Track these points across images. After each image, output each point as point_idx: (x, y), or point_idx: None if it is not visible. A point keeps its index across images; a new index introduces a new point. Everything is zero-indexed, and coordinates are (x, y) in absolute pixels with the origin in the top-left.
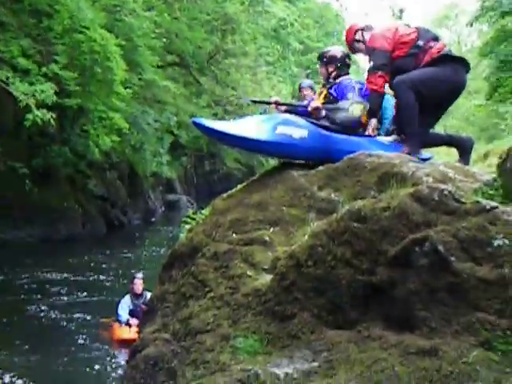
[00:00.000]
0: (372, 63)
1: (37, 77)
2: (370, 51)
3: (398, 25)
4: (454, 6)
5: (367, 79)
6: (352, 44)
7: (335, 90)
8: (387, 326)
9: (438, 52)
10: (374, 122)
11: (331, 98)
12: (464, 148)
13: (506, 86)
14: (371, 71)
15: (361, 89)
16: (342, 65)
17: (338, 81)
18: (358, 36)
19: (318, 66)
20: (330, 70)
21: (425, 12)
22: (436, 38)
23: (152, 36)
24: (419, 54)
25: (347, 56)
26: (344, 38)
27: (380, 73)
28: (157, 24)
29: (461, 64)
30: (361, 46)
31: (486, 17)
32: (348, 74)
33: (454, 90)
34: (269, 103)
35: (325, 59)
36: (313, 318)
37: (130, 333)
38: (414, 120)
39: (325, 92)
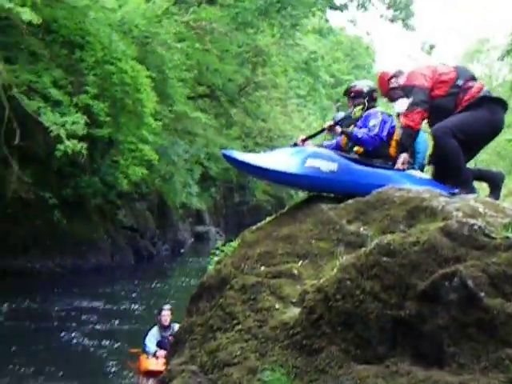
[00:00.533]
0: (411, 100)
1: (68, 108)
2: (408, 89)
3: (436, 63)
4: (485, 41)
5: (405, 115)
6: (388, 92)
7: (361, 122)
8: (415, 362)
9: (478, 92)
10: (404, 155)
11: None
12: (494, 182)
13: None
14: (410, 108)
15: (385, 121)
16: (370, 99)
17: (365, 114)
18: (393, 83)
19: (338, 102)
20: (356, 103)
21: (455, 48)
22: (474, 78)
23: (183, 68)
24: (459, 93)
25: (374, 90)
26: (378, 87)
27: (419, 109)
28: (188, 56)
29: (500, 105)
30: (397, 92)
31: None
32: (374, 107)
33: (492, 132)
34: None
35: (353, 94)
36: (340, 352)
37: (156, 364)
38: (462, 165)
39: (352, 127)
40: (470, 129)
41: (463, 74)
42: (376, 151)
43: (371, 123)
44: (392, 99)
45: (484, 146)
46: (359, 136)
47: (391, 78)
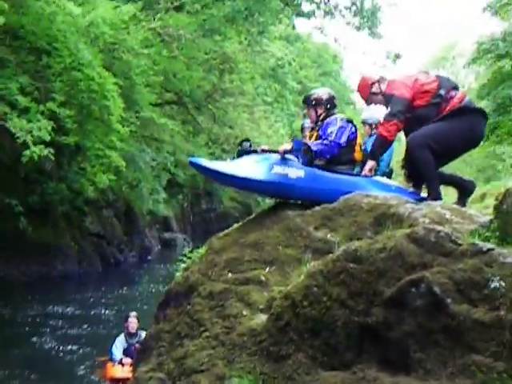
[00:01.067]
0: (389, 110)
1: (35, 115)
2: (388, 98)
3: (418, 74)
4: (451, 48)
5: (381, 124)
6: (369, 97)
7: (321, 130)
8: (382, 368)
9: (460, 102)
10: (372, 163)
11: (320, 139)
12: (464, 191)
13: (504, 127)
14: (387, 118)
15: (343, 127)
16: (331, 106)
17: (325, 121)
18: (375, 89)
19: (305, 109)
20: (320, 111)
21: (421, 54)
22: (456, 87)
23: (150, 73)
24: (441, 103)
25: (333, 97)
26: (359, 91)
27: (395, 120)
28: (155, 62)
29: (480, 115)
30: (379, 98)
31: (483, 59)
32: (334, 114)
33: (470, 142)
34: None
35: (313, 102)
36: (308, 358)
37: (122, 372)
38: (432, 174)
39: (315, 134)
40: (445, 139)
41: (445, 83)
42: (339, 157)
43: (329, 130)
44: (370, 103)
45: (461, 154)
46: (314, 149)
47: (373, 83)
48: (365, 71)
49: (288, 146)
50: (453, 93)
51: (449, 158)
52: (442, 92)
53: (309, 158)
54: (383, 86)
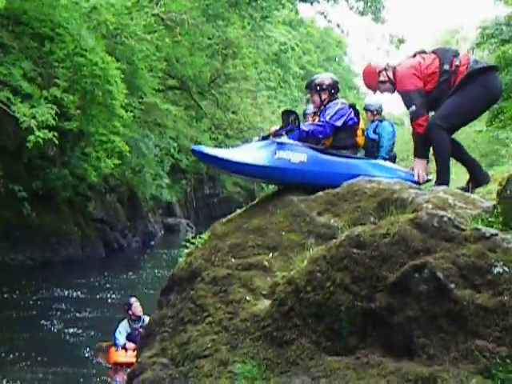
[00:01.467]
0: (412, 108)
1: (38, 100)
2: (404, 95)
3: (418, 58)
4: (455, 32)
5: (413, 123)
6: (376, 86)
7: (322, 115)
8: (386, 353)
9: (466, 68)
10: (423, 163)
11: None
12: (478, 181)
13: (507, 112)
14: (415, 116)
15: (342, 110)
16: (334, 91)
17: (327, 106)
18: (383, 77)
19: (307, 94)
20: (324, 97)
21: (425, 38)
22: (457, 54)
23: (153, 58)
24: (450, 77)
25: (336, 82)
26: (365, 81)
27: (423, 116)
28: (158, 47)
29: (491, 71)
30: (386, 86)
31: (487, 44)
32: (337, 99)
33: (490, 100)
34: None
35: (317, 87)
36: (311, 344)
37: (125, 356)
38: (445, 159)
39: (317, 119)
40: (464, 111)
41: (445, 55)
42: (340, 141)
43: (326, 113)
44: (378, 91)
45: (484, 112)
46: (306, 129)
47: (381, 71)
48: (369, 58)
49: (277, 126)
50: (456, 61)
51: (472, 120)
52: (446, 67)
53: (298, 134)
54: (390, 74)
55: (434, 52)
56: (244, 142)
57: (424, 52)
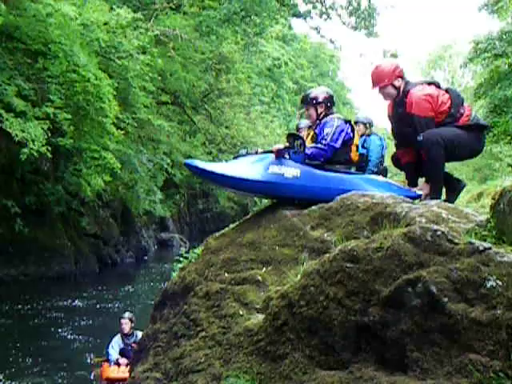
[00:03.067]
0: (424, 134)
1: (31, 118)
2: (419, 119)
3: (435, 91)
4: (448, 47)
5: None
6: (387, 87)
7: (318, 129)
8: (379, 367)
9: (467, 120)
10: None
11: (317, 138)
12: (454, 189)
13: (500, 126)
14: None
15: (340, 129)
16: (330, 105)
17: (323, 121)
18: (397, 83)
19: (302, 108)
20: (320, 111)
21: (418, 54)
22: (463, 102)
23: (146, 78)
24: (451, 121)
25: (331, 96)
26: (375, 77)
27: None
28: (151, 66)
29: (483, 130)
30: (392, 92)
31: (480, 58)
32: (333, 113)
33: (472, 154)
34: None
35: (313, 101)
36: (305, 358)
37: (118, 372)
38: (440, 174)
39: (311, 133)
40: (455, 144)
41: (455, 100)
42: (334, 157)
43: (325, 131)
44: (384, 95)
45: (459, 161)
46: (308, 153)
47: (399, 77)
48: (373, 65)
49: (281, 145)
50: (461, 110)
51: (452, 158)
52: (453, 111)
53: (302, 157)
54: (403, 85)
55: (447, 91)
56: (234, 155)
57: (439, 86)
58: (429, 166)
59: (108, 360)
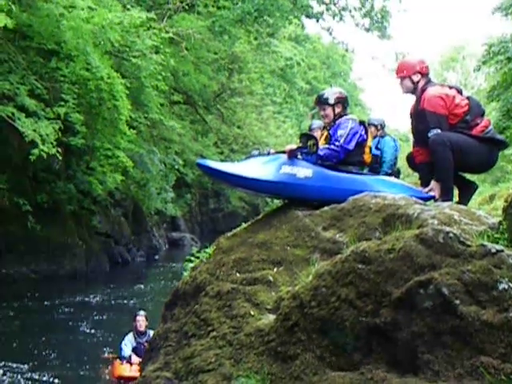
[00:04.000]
0: (439, 131)
1: (43, 118)
2: (432, 115)
3: (454, 92)
4: (460, 49)
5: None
6: (406, 79)
7: (332, 130)
8: (390, 369)
9: (483, 131)
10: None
11: (331, 139)
12: (466, 192)
13: None
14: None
15: (354, 131)
16: (345, 105)
17: (337, 122)
18: (416, 78)
19: (315, 109)
20: (335, 111)
21: (431, 55)
22: (483, 114)
23: (159, 77)
24: (465, 128)
25: (346, 97)
26: (399, 65)
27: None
28: (164, 66)
29: (499, 146)
30: (410, 86)
31: (493, 61)
32: (347, 114)
33: (481, 166)
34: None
35: (328, 102)
36: (315, 359)
37: (130, 371)
38: (450, 175)
39: (326, 134)
40: (462, 152)
41: (474, 109)
42: (348, 160)
43: (339, 133)
44: (402, 86)
45: (465, 172)
46: (321, 154)
47: (418, 72)
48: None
49: (294, 145)
50: (478, 120)
51: (457, 167)
52: (469, 118)
53: (314, 158)
54: (422, 82)
55: (468, 98)
56: (246, 155)
57: (460, 92)
58: (436, 166)
59: (120, 357)
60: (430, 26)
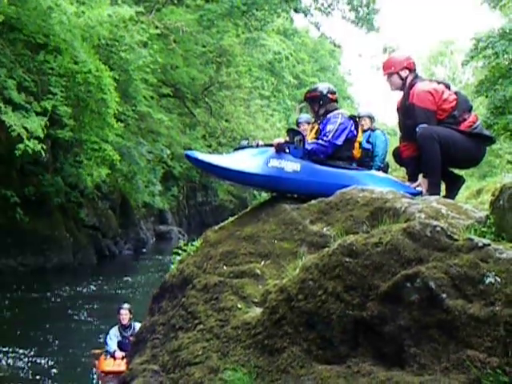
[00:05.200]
0: (424, 125)
1: (29, 111)
2: (420, 110)
3: (443, 87)
4: (449, 43)
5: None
6: (393, 75)
7: (322, 125)
8: (377, 362)
9: (470, 126)
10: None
11: (321, 133)
12: (454, 185)
13: (499, 122)
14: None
15: (344, 126)
16: (332, 100)
17: (327, 116)
18: (404, 73)
19: (303, 103)
20: (323, 105)
21: (419, 49)
22: (470, 109)
23: (147, 70)
24: (453, 123)
25: (333, 92)
26: (385, 62)
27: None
28: (152, 59)
29: (486, 141)
30: (398, 82)
31: (481, 56)
32: (337, 108)
33: (468, 161)
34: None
35: (315, 97)
36: (302, 352)
37: (113, 365)
38: (437, 169)
39: (316, 127)
40: (452, 146)
41: (462, 104)
42: (336, 155)
43: (328, 128)
44: (390, 83)
45: (452, 167)
46: (309, 148)
47: (405, 68)
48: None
49: (282, 139)
50: (466, 115)
51: (444, 163)
52: (456, 113)
53: (302, 152)
54: (410, 78)
55: (456, 93)
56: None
57: (449, 87)
58: (424, 160)
59: (107, 351)
60: (419, 21)
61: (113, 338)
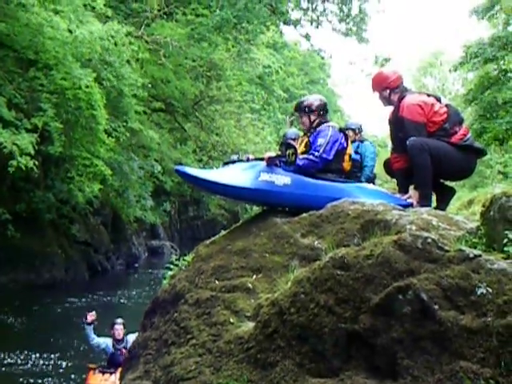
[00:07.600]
0: (414, 138)
1: (20, 129)
2: (410, 123)
3: (433, 100)
4: (438, 54)
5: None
6: (383, 90)
7: (312, 137)
8: (370, 375)
9: (461, 139)
10: (415, 193)
11: (311, 146)
12: (444, 196)
13: (491, 131)
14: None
15: (334, 140)
16: (323, 113)
17: (317, 129)
18: (386, 94)
19: (296, 115)
20: (313, 118)
21: (409, 60)
22: (461, 122)
23: (138, 85)
24: (443, 136)
25: (324, 104)
26: (374, 81)
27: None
28: (143, 74)
29: (477, 154)
30: (384, 100)
31: (470, 63)
32: (327, 121)
33: (459, 173)
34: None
35: (306, 109)
36: (295, 366)
37: (100, 380)
38: (428, 181)
39: (306, 140)
40: (442, 159)
41: (453, 117)
42: (327, 168)
43: (319, 141)
44: (382, 100)
45: (443, 178)
46: (300, 164)
47: (387, 88)
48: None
49: (273, 153)
50: (457, 128)
51: (436, 176)
52: (447, 126)
53: (293, 168)
54: (394, 96)
55: (446, 106)
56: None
57: (439, 100)
58: (415, 172)
59: (100, 366)
60: (408, 32)
61: (103, 342)
